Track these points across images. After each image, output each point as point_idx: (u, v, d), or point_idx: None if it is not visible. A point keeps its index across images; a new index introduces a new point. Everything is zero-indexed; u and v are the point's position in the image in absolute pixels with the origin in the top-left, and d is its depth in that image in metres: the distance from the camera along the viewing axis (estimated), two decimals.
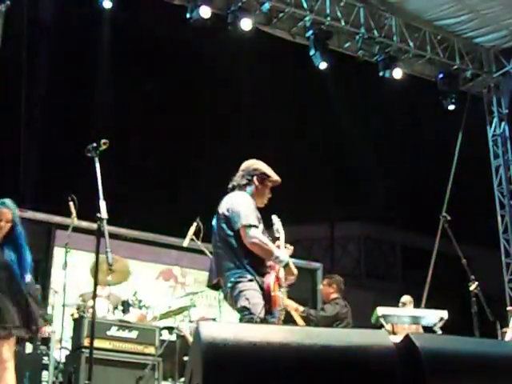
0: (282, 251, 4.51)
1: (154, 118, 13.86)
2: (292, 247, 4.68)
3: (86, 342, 5.56)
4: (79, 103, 12.80)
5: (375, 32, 9.59)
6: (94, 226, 4.22)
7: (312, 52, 9.16)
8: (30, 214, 9.06)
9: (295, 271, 4.49)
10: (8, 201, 4.75)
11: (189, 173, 14.05)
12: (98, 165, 4.41)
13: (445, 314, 6.13)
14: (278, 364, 2.22)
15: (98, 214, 4.22)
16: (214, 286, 4.56)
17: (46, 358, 6.10)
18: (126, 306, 6.59)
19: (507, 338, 6.84)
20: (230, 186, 4.64)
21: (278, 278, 4.35)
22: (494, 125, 10.92)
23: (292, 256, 4.61)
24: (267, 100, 14.09)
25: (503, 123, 10.86)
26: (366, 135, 15.85)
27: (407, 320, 6.40)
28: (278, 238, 4.54)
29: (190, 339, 6.39)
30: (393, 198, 16.62)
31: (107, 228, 4.17)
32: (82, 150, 4.48)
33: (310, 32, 9.15)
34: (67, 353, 6.21)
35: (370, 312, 6.17)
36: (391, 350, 2.34)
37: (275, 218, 4.62)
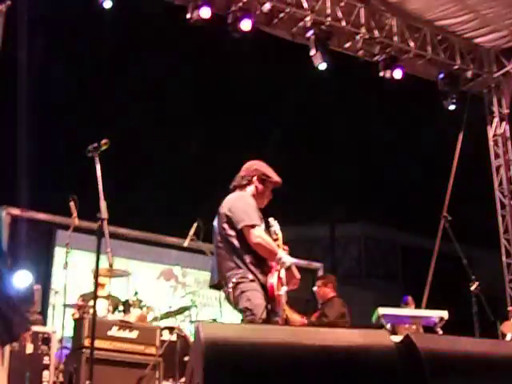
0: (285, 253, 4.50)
1: (153, 117, 13.88)
2: (287, 248, 4.67)
3: (87, 342, 5.56)
4: (79, 103, 12.82)
5: (376, 32, 9.59)
6: (95, 226, 4.22)
7: (312, 52, 9.16)
8: (31, 214, 9.08)
9: (298, 275, 4.48)
10: None
11: (189, 173, 14.06)
12: (98, 165, 4.42)
13: (445, 313, 6.14)
14: (278, 364, 2.22)
15: (99, 214, 4.23)
16: (216, 286, 4.56)
17: (46, 358, 6.10)
18: (126, 306, 6.59)
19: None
20: (231, 186, 4.66)
21: (280, 278, 4.35)
22: (494, 125, 10.91)
23: (291, 257, 4.60)
24: (267, 99, 14.12)
25: (504, 123, 10.85)
26: (366, 135, 15.89)
27: (407, 320, 6.40)
28: (275, 240, 4.53)
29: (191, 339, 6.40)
30: (393, 198, 16.62)
31: (107, 228, 4.18)
32: (83, 150, 4.49)
33: (311, 32, 9.14)
34: (68, 353, 6.22)
35: (370, 312, 6.18)
36: (391, 350, 2.34)
37: (272, 220, 4.61)
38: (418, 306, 8.04)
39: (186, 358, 6.16)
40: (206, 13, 8.50)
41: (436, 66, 10.34)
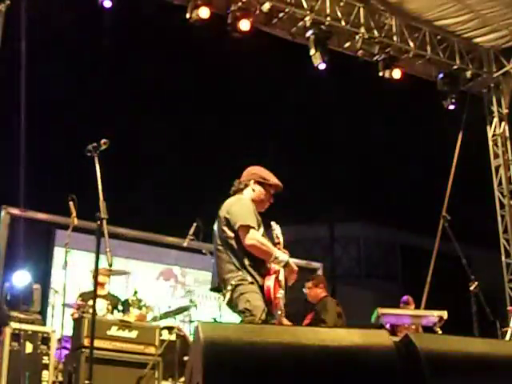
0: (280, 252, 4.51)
1: (153, 117, 13.87)
2: (287, 252, 4.66)
3: (86, 342, 5.56)
4: (79, 103, 12.81)
5: (375, 32, 9.59)
6: (94, 225, 4.22)
7: (312, 52, 9.16)
8: (30, 214, 9.08)
9: (295, 268, 4.50)
10: None
11: (189, 173, 14.06)
12: (97, 165, 4.43)
13: (445, 314, 6.14)
14: (278, 364, 2.22)
15: (98, 214, 4.23)
16: (216, 289, 4.58)
17: (46, 358, 6.11)
18: (125, 305, 6.59)
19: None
20: (230, 191, 4.69)
21: (278, 281, 4.36)
22: (493, 125, 10.91)
23: (291, 257, 4.61)
24: (267, 99, 14.11)
25: (503, 123, 10.85)
26: (366, 135, 15.88)
27: (407, 320, 6.40)
28: (277, 244, 4.54)
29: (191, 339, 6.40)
30: (392, 198, 16.62)
31: (107, 228, 4.18)
32: (82, 150, 4.49)
33: (310, 32, 9.15)
34: (67, 352, 6.22)
35: (370, 312, 6.18)
36: (391, 350, 2.34)
37: (274, 224, 4.62)
38: (417, 306, 8.03)
39: (186, 358, 6.16)
40: (205, 13, 8.50)
41: (435, 66, 10.35)
